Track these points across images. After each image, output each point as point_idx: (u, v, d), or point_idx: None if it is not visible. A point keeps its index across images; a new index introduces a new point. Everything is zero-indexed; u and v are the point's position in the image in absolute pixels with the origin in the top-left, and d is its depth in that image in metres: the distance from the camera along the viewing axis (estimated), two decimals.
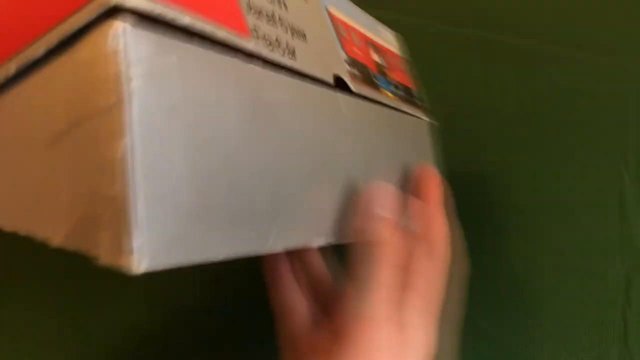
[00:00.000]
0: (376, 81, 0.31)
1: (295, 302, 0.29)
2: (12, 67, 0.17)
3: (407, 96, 0.34)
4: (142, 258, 0.14)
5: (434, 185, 0.30)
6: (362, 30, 0.32)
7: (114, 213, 0.14)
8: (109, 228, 0.14)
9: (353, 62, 0.29)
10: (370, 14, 0.41)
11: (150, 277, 0.40)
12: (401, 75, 0.35)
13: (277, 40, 0.21)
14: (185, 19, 0.16)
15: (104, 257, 0.14)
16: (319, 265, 0.32)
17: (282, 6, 0.23)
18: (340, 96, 0.26)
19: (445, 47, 0.40)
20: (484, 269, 0.36)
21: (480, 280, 0.35)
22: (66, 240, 0.15)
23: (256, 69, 0.20)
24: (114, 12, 0.14)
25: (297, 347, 0.27)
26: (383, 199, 0.25)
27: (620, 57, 0.39)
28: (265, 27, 0.21)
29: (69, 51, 0.16)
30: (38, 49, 0.16)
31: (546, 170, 0.37)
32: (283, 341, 0.28)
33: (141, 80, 0.14)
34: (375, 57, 0.33)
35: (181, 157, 0.16)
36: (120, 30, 0.14)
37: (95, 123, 0.15)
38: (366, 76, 0.30)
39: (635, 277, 0.35)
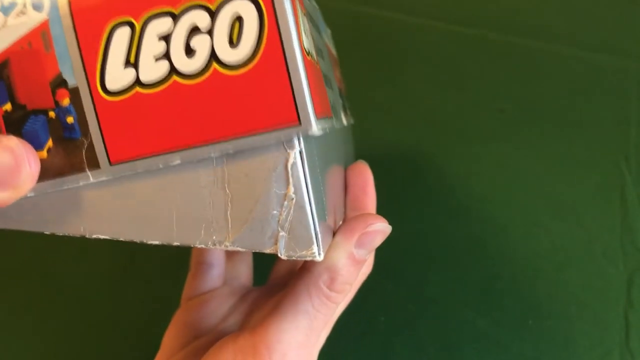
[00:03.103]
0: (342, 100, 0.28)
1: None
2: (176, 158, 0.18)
3: (344, 102, 0.30)
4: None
5: (370, 206, 0.26)
6: (327, 41, 0.29)
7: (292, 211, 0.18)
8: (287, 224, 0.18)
9: (340, 94, 0.27)
10: (370, 13, 0.41)
11: (151, 278, 0.40)
12: (337, 78, 0.31)
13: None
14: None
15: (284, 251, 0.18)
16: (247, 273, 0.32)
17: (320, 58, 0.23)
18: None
19: (446, 47, 0.40)
20: (484, 269, 0.36)
21: (479, 280, 0.35)
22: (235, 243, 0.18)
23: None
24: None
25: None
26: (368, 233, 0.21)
27: (620, 56, 0.39)
28: (329, 94, 0.22)
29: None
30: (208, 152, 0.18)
31: (547, 170, 0.37)
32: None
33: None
34: (337, 72, 0.30)
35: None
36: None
37: None
38: (343, 100, 0.28)
39: (636, 277, 0.35)
